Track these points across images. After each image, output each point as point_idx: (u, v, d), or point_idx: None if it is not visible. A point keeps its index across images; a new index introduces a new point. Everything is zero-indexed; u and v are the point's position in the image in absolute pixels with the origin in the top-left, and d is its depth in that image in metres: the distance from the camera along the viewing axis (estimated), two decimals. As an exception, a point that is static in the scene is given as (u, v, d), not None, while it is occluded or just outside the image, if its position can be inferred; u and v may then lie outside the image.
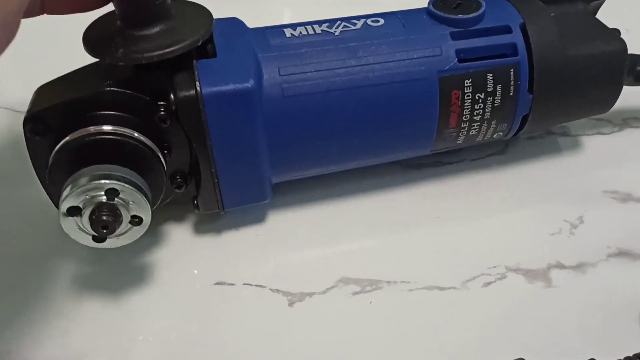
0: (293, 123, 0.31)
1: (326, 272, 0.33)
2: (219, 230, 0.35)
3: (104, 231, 0.27)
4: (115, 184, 0.27)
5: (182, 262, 0.33)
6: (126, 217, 0.28)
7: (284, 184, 0.35)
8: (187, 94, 0.28)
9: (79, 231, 0.28)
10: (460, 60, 0.31)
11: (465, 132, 0.33)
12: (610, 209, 0.35)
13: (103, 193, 0.27)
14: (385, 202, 0.37)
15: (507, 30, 0.32)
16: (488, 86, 0.32)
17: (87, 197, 0.26)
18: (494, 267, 0.33)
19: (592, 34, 0.33)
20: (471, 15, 0.32)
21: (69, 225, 0.27)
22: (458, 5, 0.33)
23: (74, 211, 0.27)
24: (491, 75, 0.32)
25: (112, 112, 0.28)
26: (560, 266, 0.32)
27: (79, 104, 0.28)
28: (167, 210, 0.34)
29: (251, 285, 0.32)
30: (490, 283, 0.32)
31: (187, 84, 0.28)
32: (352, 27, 0.32)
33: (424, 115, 0.32)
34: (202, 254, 0.34)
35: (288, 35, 0.32)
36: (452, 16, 0.32)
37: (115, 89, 0.28)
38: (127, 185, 0.27)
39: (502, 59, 0.32)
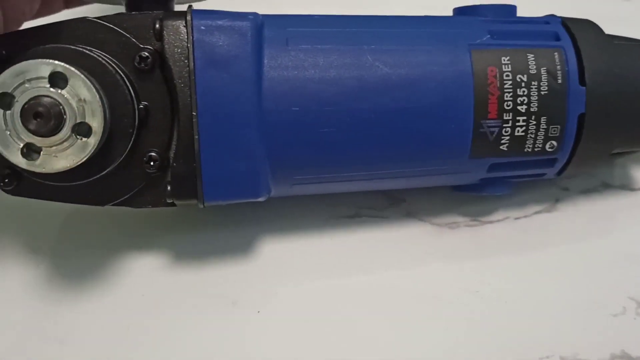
0: (295, 85, 0.25)
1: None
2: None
3: (38, 127, 0.21)
4: (64, 67, 0.21)
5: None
6: (71, 119, 0.21)
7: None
8: (174, 29, 0.25)
9: (5, 134, 0.21)
10: (493, 37, 0.27)
11: (509, 131, 0.27)
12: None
13: (46, 77, 0.21)
14: (413, 270, 0.31)
15: (546, 22, 0.29)
16: (530, 67, 0.27)
17: (24, 80, 0.21)
18: (547, 357, 0.28)
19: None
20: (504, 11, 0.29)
21: None
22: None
23: (3, 99, 0.21)
24: (532, 55, 0.27)
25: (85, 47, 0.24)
26: (626, 357, 0.28)
27: (46, 30, 0.24)
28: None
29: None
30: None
31: (176, 22, 0.25)
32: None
33: (456, 98, 0.26)
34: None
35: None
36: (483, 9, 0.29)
37: (95, 19, 0.25)
38: (78, 73, 0.21)
39: (543, 41, 0.28)
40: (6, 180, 0.25)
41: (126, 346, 0.29)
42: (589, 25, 0.29)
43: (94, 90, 0.21)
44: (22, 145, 0.21)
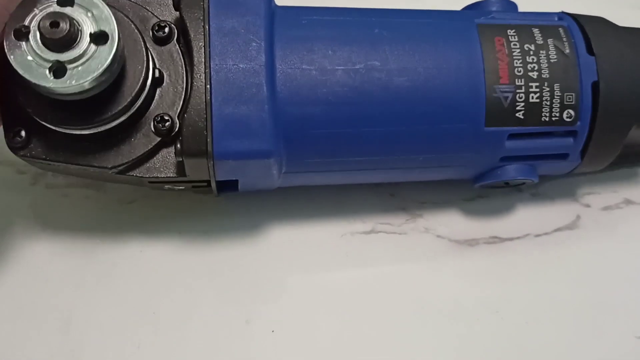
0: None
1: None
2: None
3: (58, 41, 0.21)
4: None
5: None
6: (86, 28, 0.22)
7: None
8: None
9: (31, 63, 0.22)
10: (498, 17, 0.28)
11: (523, 97, 0.27)
12: None
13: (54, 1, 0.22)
14: (432, 288, 0.30)
15: (548, 13, 0.30)
16: (536, 38, 0.27)
17: (36, 12, 0.22)
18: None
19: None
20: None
21: (19, 58, 0.22)
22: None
23: (19, 35, 0.22)
24: (537, 29, 0.28)
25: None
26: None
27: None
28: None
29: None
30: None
31: None
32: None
33: (467, 65, 0.27)
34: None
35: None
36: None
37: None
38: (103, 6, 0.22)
39: (546, 21, 0.28)
40: (17, 139, 0.25)
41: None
42: (592, 16, 0.30)
43: (101, 5, 0.22)
44: (49, 66, 0.22)
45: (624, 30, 0.29)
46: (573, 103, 0.27)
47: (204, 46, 0.25)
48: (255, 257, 0.31)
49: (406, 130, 0.27)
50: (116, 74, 0.23)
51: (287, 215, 0.31)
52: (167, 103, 0.26)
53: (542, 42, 0.27)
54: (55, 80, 0.22)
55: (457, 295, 0.30)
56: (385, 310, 0.30)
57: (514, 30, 0.28)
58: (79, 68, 0.22)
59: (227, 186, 0.29)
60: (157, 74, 0.25)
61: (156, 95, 0.26)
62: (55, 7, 0.22)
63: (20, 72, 0.22)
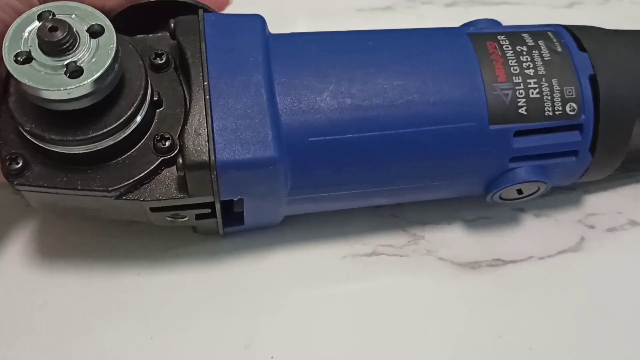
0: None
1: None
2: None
3: (59, 43, 0.21)
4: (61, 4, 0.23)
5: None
6: (82, 29, 0.22)
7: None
8: (187, 22, 0.26)
9: (47, 77, 0.22)
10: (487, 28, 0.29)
11: (523, 93, 0.27)
12: None
13: (35, 18, 0.23)
14: (433, 311, 0.29)
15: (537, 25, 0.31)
16: (527, 41, 0.28)
17: (25, 35, 0.22)
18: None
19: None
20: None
21: (34, 78, 0.22)
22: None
23: (22, 60, 0.22)
24: (527, 34, 0.28)
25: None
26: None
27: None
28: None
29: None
30: None
31: (188, 18, 0.27)
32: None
33: (463, 69, 0.27)
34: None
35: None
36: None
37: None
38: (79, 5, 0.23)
39: (535, 28, 0.29)
40: (14, 165, 0.24)
41: None
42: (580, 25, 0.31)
43: (80, 5, 0.23)
44: (64, 70, 0.22)
45: (613, 32, 0.30)
46: (574, 96, 0.27)
47: (202, 63, 0.25)
48: (257, 279, 0.30)
49: (411, 133, 0.26)
50: (118, 78, 0.23)
51: (288, 238, 0.31)
52: (167, 125, 0.25)
53: (533, 43, 0.28)
54: (75, 80, 0.22)
55: (459, 318, 0.29)
56: (386, 333, 0.29)
57: (504, 36, 0.28)
58: (92, 61, 0.22)
59: (232, 220, 0.28)
60: (155, 97, 0.25)
61: (155, 118, 0.26)
62: (39, 23, 0.22)
63: (43, 89, 0.22)
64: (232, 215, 0.28)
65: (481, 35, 0.28)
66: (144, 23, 0.28)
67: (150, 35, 0.28)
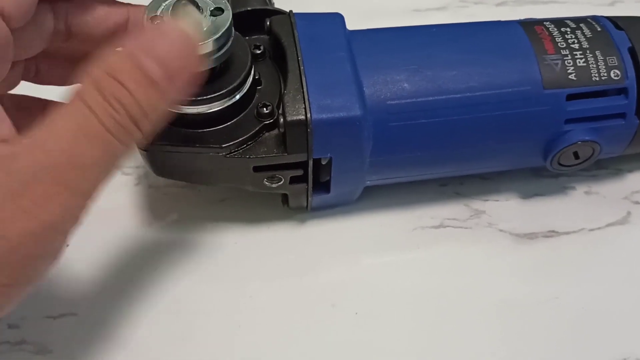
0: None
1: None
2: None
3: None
4: None
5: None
6: (207, 8, 0.27)
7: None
8: (281, 20, 0.31)
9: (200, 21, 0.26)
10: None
11: (571, 62, 0.31)
12: None
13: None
14: (494, 277, 0.33)
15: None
16: (570, 25, 0.32)
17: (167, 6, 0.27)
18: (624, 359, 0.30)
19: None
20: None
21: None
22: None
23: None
24: (569, 20, 0.33)
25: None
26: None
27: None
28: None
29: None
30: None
31: (280, 17, 0.32)
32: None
33: (517, 46, 0.31)
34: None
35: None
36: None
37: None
38: None
39: (575, 18, 0.33)
40: None
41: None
42: None
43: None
44: (210, 13, 0.27)
45: None
46: (616, 64, 0.31)
47: (295, 44, 0.30)
48: (338, 247, 0.34)
49: (477, 97, 0.30)
50: (230, 51, 0.28)
51: (363, 213, 0.35)
52: (267, 98, 0.30)
53: (575, 26, 0.32)
54: (219, 17, 0.27)
55: (519, 282, 0.33)
56: (455, 295, 0.32)
57: (549, 22, 0.33)
58: (214, 26, 0.27)
59: (319, 190, 0.32)
60: (257, 76, 0.30)
61: (256, 93, 0.30)
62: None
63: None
64: (319, 186, 0.32)
65: (529, 22, 0.33)
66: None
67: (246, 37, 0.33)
